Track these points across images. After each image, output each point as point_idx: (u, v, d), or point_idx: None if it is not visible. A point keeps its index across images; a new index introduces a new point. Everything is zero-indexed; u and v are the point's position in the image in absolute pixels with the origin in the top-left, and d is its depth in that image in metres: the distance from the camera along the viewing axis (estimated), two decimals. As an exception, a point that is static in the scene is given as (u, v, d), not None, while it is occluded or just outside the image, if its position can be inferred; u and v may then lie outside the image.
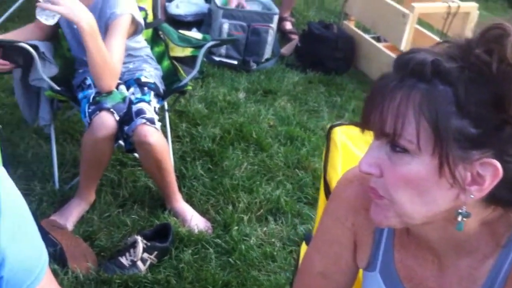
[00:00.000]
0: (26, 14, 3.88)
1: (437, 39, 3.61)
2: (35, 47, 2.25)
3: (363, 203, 1.03)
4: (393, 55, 3.57)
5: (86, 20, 2.06)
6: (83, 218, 2.28)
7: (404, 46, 3.48)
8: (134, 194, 2.43)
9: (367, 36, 3.85)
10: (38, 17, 2.05)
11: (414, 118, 0.82)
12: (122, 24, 2.19)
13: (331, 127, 1.37)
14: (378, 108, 0.85)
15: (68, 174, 2.51)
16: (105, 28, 2.22)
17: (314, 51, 3.71)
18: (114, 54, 2.15)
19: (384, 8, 3.64)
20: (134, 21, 2.26)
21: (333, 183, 1.32)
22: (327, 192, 1.34)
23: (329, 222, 1.10)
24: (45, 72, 2.27)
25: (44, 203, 2.31)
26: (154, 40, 2.74)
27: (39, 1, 2.03)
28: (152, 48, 2.64)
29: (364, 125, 0.91)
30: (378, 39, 3.92)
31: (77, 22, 2.04)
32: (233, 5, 3.75)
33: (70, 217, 2.24)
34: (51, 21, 2.07)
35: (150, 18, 2.73)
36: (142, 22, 2.34)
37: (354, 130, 1.37)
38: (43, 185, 2.40)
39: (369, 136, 0.91)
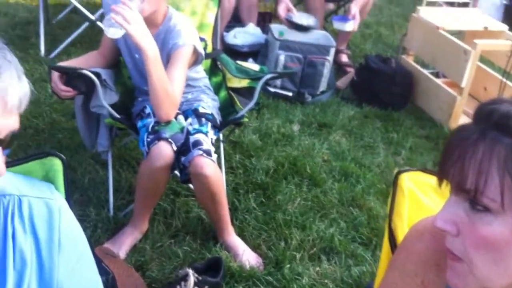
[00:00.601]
0: (88, 40, 4.01)
1: (499, 77, 3.51)
2: (97, 75, 2.29)
3: (435, 258, 0.97)
4: (453, 92, 3.48)
5: (150, 47, 2.08)
6: (135, 247, 2.27)
7: (465, 83, 3.39)
8: (186, 225, 2.42)
9: (426, 72, 3.77)
10: (104, 28, 2.08)
11: (498, 174, 0.77)
12: (184, 55, 2.21)
13: (398, 173, 1.31)
14: (458, 163, 0.80)
15: (123, 201, 2.52)
16: (166, 58, 2.24)
17: (371, 85, 3.66)
18: (175, 84, 2.17)
19: (445, 43, 3.57)
20: (195, 51, 2.28)
21: (399, 232, 1.26)
22: (392, 241, 1.28)
23: (396, 277, 1.04)
24: (105, 100, 2.30)
25: (98, 229, 2.32)
26: (212, 71, 2.76)
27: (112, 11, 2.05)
28: (210, 79, 2.66)
29: (441, 178, 0.86)
30: (437, 75, 3.84)
31: (142, 47, 2.06)
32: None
33: (123, 245, 2.24)
34: (115, 35, 2.09)
35: (209, 48, 2.75)
36: (203, 52, 2.36)
37: (423, 177, 1.31)
38: (98, 211, 2.42)
39: (444, 188, 0.86)
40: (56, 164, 1.18)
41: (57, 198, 1.09)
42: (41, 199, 1.07)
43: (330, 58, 3.70)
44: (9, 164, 1.11)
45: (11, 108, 0.88)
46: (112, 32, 2.07)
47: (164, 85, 2.12)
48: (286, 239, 2.39)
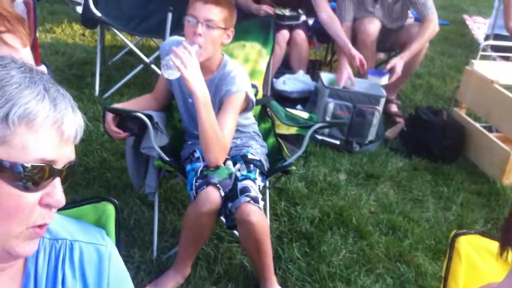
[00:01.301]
0: (141, 82, 4.11)
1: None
2: (149, 117, 2.33)
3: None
4: (507, 147, 3.38)
5: (203, 92, 2.11)
6: (177, 292, 2.26)
7: (520, 138, 3.30)
8: (229, 271, 2.39)
9: (478, 125, 3.69)
10: (162, 68, 2.14)
11: None
12: (236, 101, 2.23)
13: (456, 236, 1.26)
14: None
15: (167, 244, 2.52)
16: (219, 103, 2.27)
17: (421, 137, 3.60)
18: (225, 130, 2.18)
19: (499, 98, 3.49)
20: (247, 98, 2.30)
21: (454, 297, 1.20)
22: (447, 306, 1.22)
23: None
24: (156, 142, 2.33)
25: (141, 271, 2.32)
26: (261, 117, 2.77)
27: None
28: (259, 124, 2.67)
29: (504, 246, 0.82)
30: (490, 129, 3.75)
31: (194, 92, 2.10)
32: (341, 84, 3.75)
33: (164, 289, 2.23)
34: (171, 76, 2.14)
35: (259, 94, 2.77)
36: (254, 100, 2.37)
37: (481, 241, 1.26)
38: (142, 252, 2.42)
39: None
40: (109, 209, 1.19)
41: (108, 245, 1.09)
42: (92, 244, 1.07)
43: (380, 107, 3.67)
44: (63, 207, 1.12)
45: (67, 137, 0.89)
46: (169, 73, 2.13)
47: (214, 130, 2.14)
48: (330, 292, 2.33)
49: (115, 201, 1.19)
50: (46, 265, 1.02)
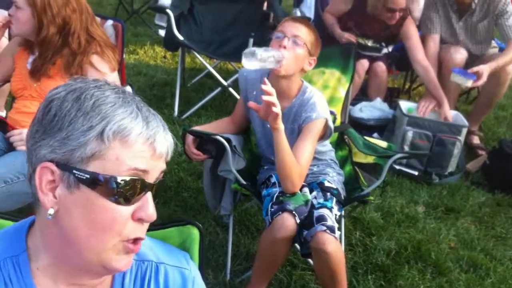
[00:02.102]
0: (219, 104, 4.18)
1: None
2: (228, 140, 2.35)
3: None
4: None
5: (280, 122, 2.11)
6: (249, 317, 2.24)
7: None
8: (301, 300, 2.36)
9: None
10: (244, 56, 2.14)
11: None
12: (315, 128, 2.22)
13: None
14: None
15: (240, 267, 2.52)
16: (298, 129, 2.26)
17: (505, 171, 3.44)
18: (303, 157, 2.17)
19: None
20: (326, 125, 2.28)
21: None
22: None
23: None
24: (234, 165, 2.35)
25: (215, 293, 2.33)
26: (338, 144, 2.74)
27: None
28: (335, 152, 2.63)
29: None
30: None
31: (278, 117, 2.06)
32: (420, 113, 3.66)
33: (236, 313, 2.22)
34: (251, 67, 2.15)
35: (337, 122, 2.75)
36: (333, 127, 2.35)
37: None
38: (216, 274, 2.44)
39: None
40: (194, 234, 1.20)
41: (192, 269, 1.10)
42: (177, 268, 1.08)
43: (462, 138, 3.54)
44: (150, 229, 1.14)
45: (159, 154, 0.92)
46: (247, 62, 2.14)
47: (291, 158, 2.13)
48: (406, 329, 2.25)
49: (200, 225, 1.20)
50: (132, 285, 1.04)
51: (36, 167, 0.90)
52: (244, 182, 2.35)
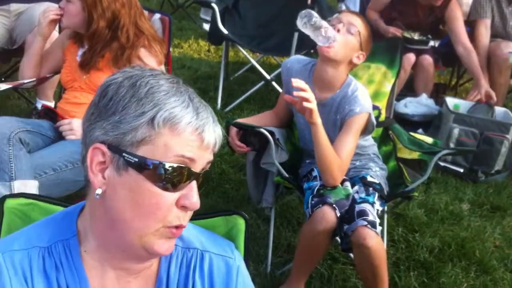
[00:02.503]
0: (261, 98, 4.20)
1: None
2: (271, 133, 2.36)
3: None
4: None
5: (319, 117, 2.10)
6: (289, 309, 2.25)
7: None
8: (342, 294, 2.36)
9: None
10: (299, 17, 2.17)
11: None
12: (358, 122, 2.20)
13: None
14: None
15: (281, 260, 2.53)
16: (340, 123, 2.25)
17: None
18: (345, 151, 2.16)
19: None
20: (368, 120, 2.26)
21: None
22: None
23: None
24: (276, 158, 2.36)
25: (256, 284, 2.32)
26: (382, 139, 2.72)
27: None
28: (379, 147, 2.61)
29: None
30: None
31: (313, 112, 2.07)
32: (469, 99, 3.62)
33: (277, 304, 2.24)
34: (303, 28, 2.17)
35: (382, 117, 2.72)
36: (375, 122, 2.33)
37: None
38: (257, 265, 2.46)
39: None
40: (240, 224, 1.21)
41: (237, 258, 1.12)
42: (222, 256, 1.10)
43: (510, 136, 3.45)
44: (196, 217, 1.17)
45: (207, 144, 0.94)
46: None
47: (331, 152, 2.12)
48: (449, 327, 2.22)
49: (246, 216, 1.22)
50: (177, 272, 1.06)
51: (88, 148, 0.94)
52: (287, 175, 2.35)
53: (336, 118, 2.27)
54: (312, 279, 2.39)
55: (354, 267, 2.44)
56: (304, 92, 2.02)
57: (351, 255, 2.44)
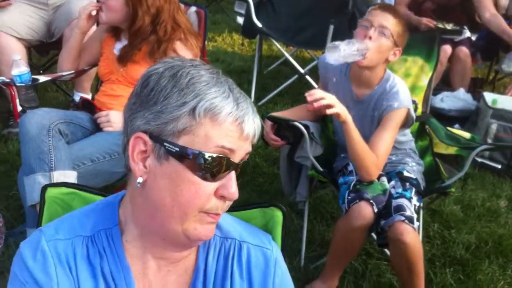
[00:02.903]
0: (294, 91, 4.18)
1: None
2: (306, 127, 2.35)
3: None
4: None
5: (349, 116, 2.08)
6: (323, 303, 2.25)
7: None
8: (376, 289, 2.34)
9: None
10: (327, 50, 2.17)
11: None
12: (397, 118, 2.18)
13: None
14: None
15: (314, 254, 2.53)
16: (378, 118, 2.23)
17: None
18: (382, 146, 2.14)
19: None
20: (408, 114, 2.23)
21: None
22: None
23: None
24: (311, 152, 2.35)
25: (289, 278, 2.34)
26: (419, 134, 2.68)
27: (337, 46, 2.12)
28: (415, 142, 2.58)
29: None
30: None
31: (340, 114, 2.06)
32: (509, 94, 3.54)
33: (311, 299, 2.24)
34: (334, 62, 2.16)
35: (418, 111, 2.68)
36: (414, 116, 2.30)
37: None
38: (290, 259, 2.45)
39: None
40: (277, 216, 1.21)
41: (274, 250, 1.12)
42: (260, 248, 1.10)
43: (550, 132, 3.37)
44: (233, 209, 1.17)
45: (246, 135, 0.94)
46: (334, 59, 2.16)
47: (363, 147, 2.10)
48: (485, 325, 2.18)
49: (284, 208, 1.22)
50: (215, 261, 1.07)
51: (130, 137, 0.95)
52: (321, 169, 2.34)
53: (374, 114, 2.25)
54: (346, 274, 2.37)
55: (389, 263, 2.42)
56: (324, 99, 2.01)
57: (386, 250, 2.42)
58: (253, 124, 0.95)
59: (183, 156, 0.91)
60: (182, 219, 0.95)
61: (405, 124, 2.27)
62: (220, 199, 0.96)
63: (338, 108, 2.04)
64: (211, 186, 0.94)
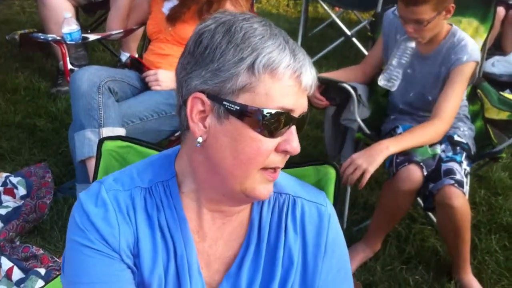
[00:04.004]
0: (340, 54, 4.13)
1: None
2: (354, 89, 2.32)
3: None
4: None
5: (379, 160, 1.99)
6: (365, 265, 2.26)
7: None
8: (420, 253, 2.33)
9: None
10: (382, 77, 2.20)
11: None
12: (465, 72, 2.11)
13: None
14: None
15: (357, 217, 2.53)
16: (445, 73, 2.17)
17: None
18: (449, 108, 2.08)
19: None
20: (474, 71, 2.16)
21: None
22: None
23: None
24: (358, 114, 2.33)
25: (332, 240, 2.35)
26: (470, 98, 2.61)
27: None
28: (467, 106, 2.52)
29: None
30: None
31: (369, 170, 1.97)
32: None
33: (353, 260, 2.24)
34: (386, 87, 2.21)
35: (472, 74, 2.61)
36: (477, 73, 2.22)
37: None
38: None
39: None
40: (330, 173, 1.21)
41: (328, 206, 1.11)
42: (314, 203, 1.10)
43: None
44: (287, 167, 1.17)
45: (304, 88, 0.93)
46: (385, 84, 2.23)
47: (426, 137, 2.07)
48: (531, 292, 2.15)
49: (337, 165, 1.21)
50: (269, 215, 1.08)
51: (187, 97, 0.94)
52: (369, 132, 2.32)
53: (441, 70, 2.19)
54: (389, 237, 2.37)
55: (433, 228, 2.40)
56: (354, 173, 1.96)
57: (431, 215, 2.40)
58: (310, 75, 0.93)
59: (244, 114, 0.90)
60: (242, 178, 0.95)
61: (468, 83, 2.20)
62: (281, 154, 0.96)
63: (370, 170, 1.95)
64: (272, 142, 0.93)
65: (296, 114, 0.93)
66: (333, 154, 2.61)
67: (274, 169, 0.97)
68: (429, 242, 2.39)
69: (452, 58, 2.12)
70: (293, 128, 0.94)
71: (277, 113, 0.91)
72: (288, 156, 0.98)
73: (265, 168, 0.95)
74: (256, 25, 0.92)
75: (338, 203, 1.23)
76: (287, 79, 0.91)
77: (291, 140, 0.94)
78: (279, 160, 0.96)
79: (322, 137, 3.00)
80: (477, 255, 2.33)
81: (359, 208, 2.59)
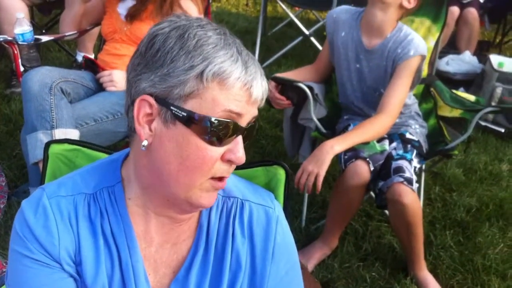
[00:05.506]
0: (299, 53, 4.15)
1: None
2: (310, 88, 2.34)
3: None
4: None
5: (327, 161, 1.99)
6: (323, 263, 2.28)
7: None
8: (377, 250, 2.36)
9: None
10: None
11: None
12: (412, 66, 2.14)
13: None
14: None
15: (315, 215, 2.55)
16: (391, 68, 2.20)
17: None
18: (395, 100, 2.10)
19: None
20: (419, 66, 2.19)
21: None
22: None
23: None
24: (315, 113, 2.34)
25: (290, 239, 2.37)
26: (423, 96, 2.66)
27: None
28: (420, 104, 2.57)
29: None
30: None
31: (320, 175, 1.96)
32: None
33: (311, 259, 2.26)
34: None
35: (424, 73, 2.65)
36: (422, 71, 2.26)
37: None
38: (291, 220, 2.47)
39: None
40: (280, 174, 1.21)
41: (277, 208, 1.12)
42: (262, 206, 1.10)
43: (555, 96, 3.35)
44: (236, 168, 1.17)
45: (254, 100, 0.92)
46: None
47: (372, 132, 2.08)
48: (484, 285, 2.21)
49: (287, 166, 1.21)
50: (218, 219, 1.07)
51: (135, 99, 0.93)
52: (325, 131, 2.34)
53: (387, 64, 2.21)
54: (346, 235, 2.40)
55: (389, 224, 2.44)
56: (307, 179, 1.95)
57: (387, 212, 2.44)
58: (261, 88, 0.93)
59: (190, 120, 0.89)
60: (187, 186, 0.94)
61: (413, 82, 2.23)
62: (226, 163, 0.95)
63: (321, 173, 1.94)
64: (218, 150, 0.92)
65: (244, 122, 0.93)
66: (291, 153, 2.63)
67: (220, 179, 0.96)
68: (386, 239, 2.42)
69: (399, 52, 2.15)
70: (239, 137, 0.94)
71: (224, 121, 0.90)
72: (234, 166, 0.97)
73: (212, 178, 0.95)
74: (210, 33, 0.91)
75: (289, 204, 1.23)
76: (236, 90, 0.90)
77: (236, 150, 0.94)
78: (225, 170, 0.95)
79: (281, 136, 3.02)
80: (432, 250, 2.37)
81: (317, 207, 2.61)
